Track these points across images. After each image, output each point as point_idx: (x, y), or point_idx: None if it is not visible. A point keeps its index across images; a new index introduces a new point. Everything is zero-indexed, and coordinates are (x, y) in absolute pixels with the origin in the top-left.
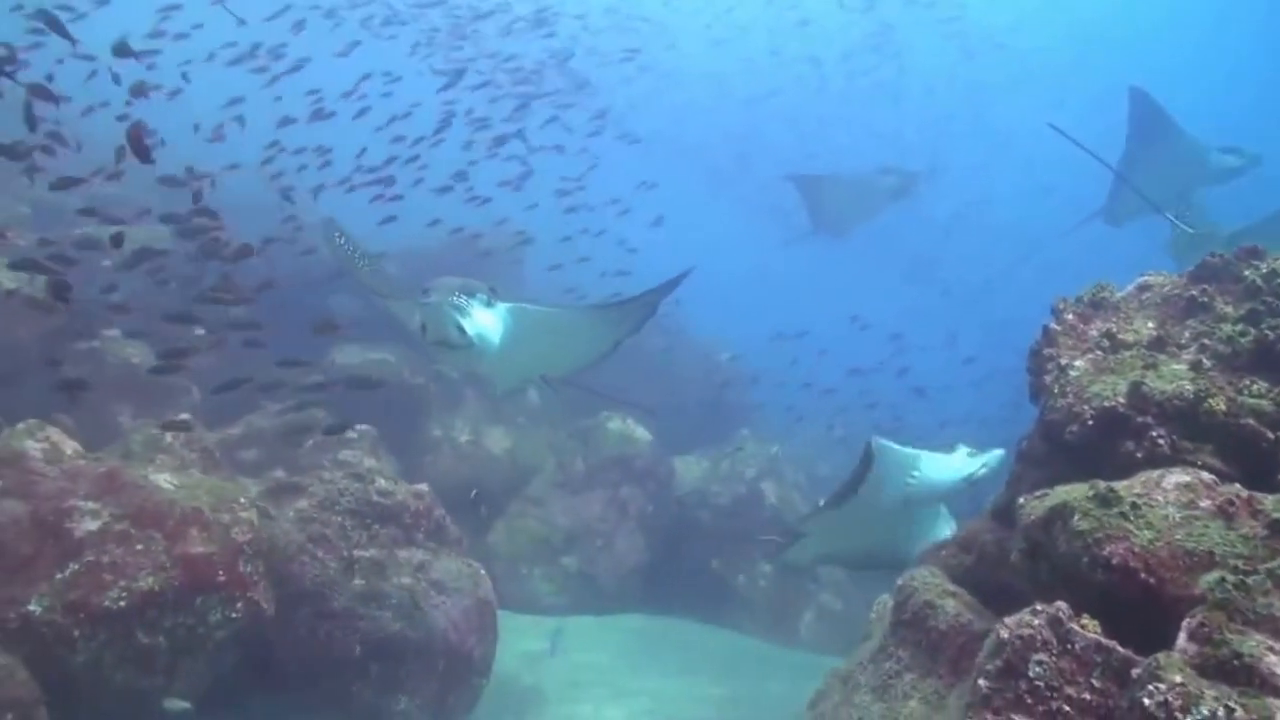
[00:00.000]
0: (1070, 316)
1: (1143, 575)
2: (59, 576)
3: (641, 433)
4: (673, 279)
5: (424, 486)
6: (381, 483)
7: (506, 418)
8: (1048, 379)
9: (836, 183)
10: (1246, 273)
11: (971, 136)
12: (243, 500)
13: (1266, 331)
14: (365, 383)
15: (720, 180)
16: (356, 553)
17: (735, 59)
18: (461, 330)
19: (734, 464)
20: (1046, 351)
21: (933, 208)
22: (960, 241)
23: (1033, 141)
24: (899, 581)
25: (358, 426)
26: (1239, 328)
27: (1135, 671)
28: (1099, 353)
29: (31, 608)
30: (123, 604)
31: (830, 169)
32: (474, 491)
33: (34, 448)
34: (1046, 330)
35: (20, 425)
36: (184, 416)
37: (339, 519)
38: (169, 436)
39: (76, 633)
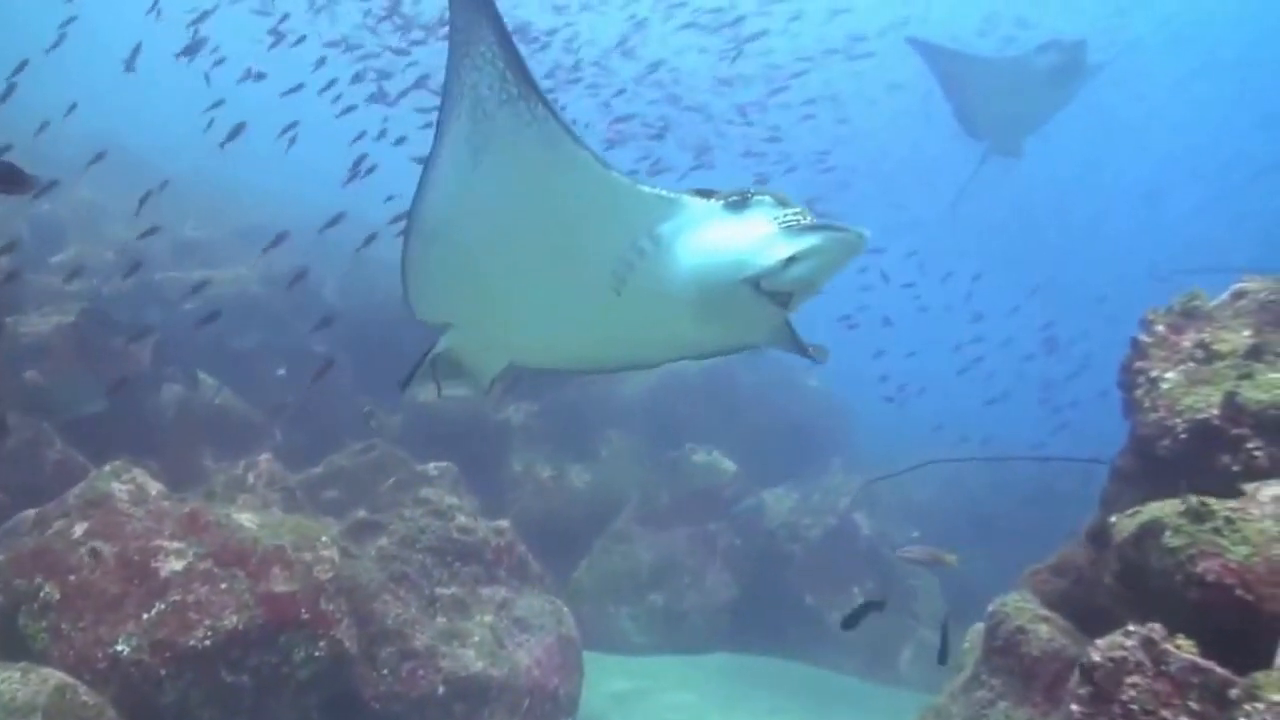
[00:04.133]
0: (1161, 328)
1: (1239, 592)
2: (146, 616)
3: (728, 464)
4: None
5: (505, 523)
6: (462, 519)
7: (589, 452)
8: (1139, 393)
9: (983, 64)
10: None
11: None
12: (324, 539)
13: None
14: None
15: None
16: (438, 590)
17: None
18: None
19: (825, 496)
20: (1137, 365)
21: None
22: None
23: None
24: (990, 608)
25: (438, 464)
26: None
27: (1233, 692)
28: (1192, 364)
29: (119, 648)
30: (208, 643)
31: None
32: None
33: (120, 489)
34: (1136, 343)
35: (106, 468)
36: (266, 456)
37: (420, 557)
38: (251, 477)
39: (163, 672)
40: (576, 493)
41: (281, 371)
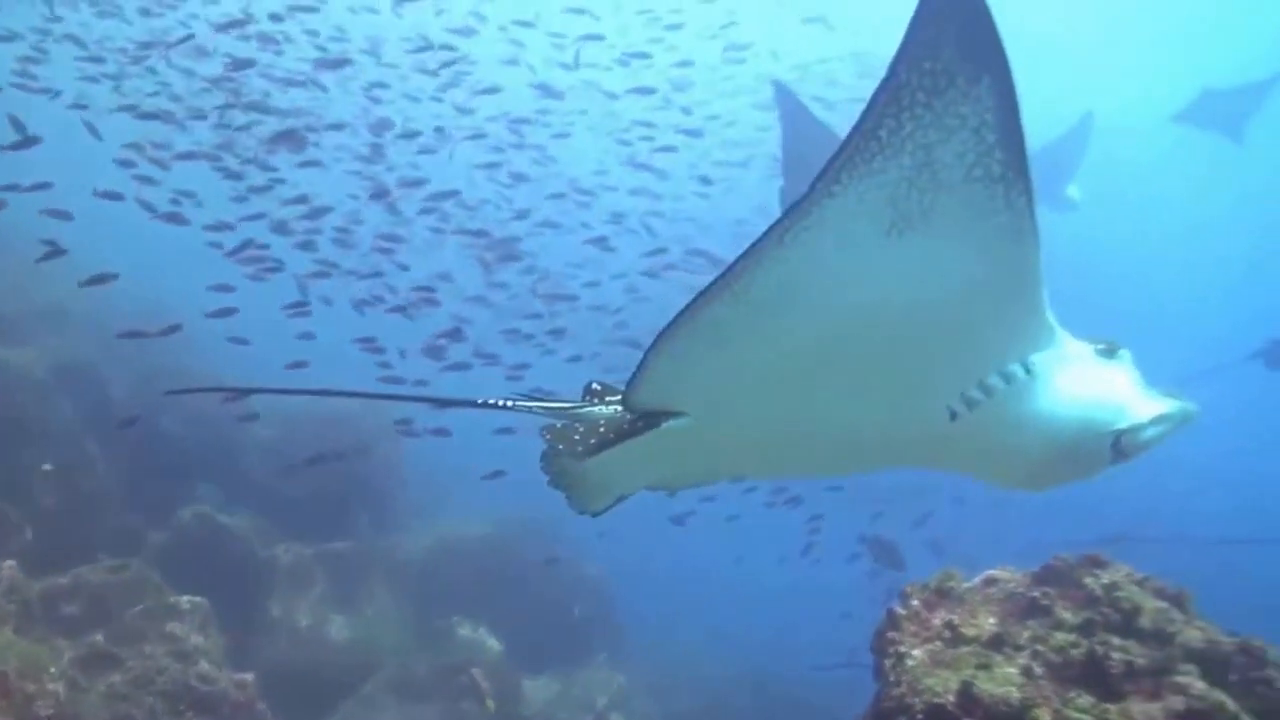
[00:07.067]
0: (916, 603)
1: None
2: None
3: (492, 644)
4: None
5: (249, 676)
6: (204, 666)
7: (354, 606)
8: (887, 664)
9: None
10: (1087, 580)
11: None
12: (53, 670)
13: (1097, 646)
14: None
15: None
16: None
17: None
18: None
19: (586, 690)
20: (890, 635)
21: None
22: None
23: None
24: None
25: (191, 598)
26: (1072, 638)
27: None
28: (939, 643)
29: None
30: None
31: None
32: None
33: None
34: (891, 614)
35: None
36: (10, 564)
37: (151, 700)
38: None
39: None
40: (333, 647)
41: (47, 466)
